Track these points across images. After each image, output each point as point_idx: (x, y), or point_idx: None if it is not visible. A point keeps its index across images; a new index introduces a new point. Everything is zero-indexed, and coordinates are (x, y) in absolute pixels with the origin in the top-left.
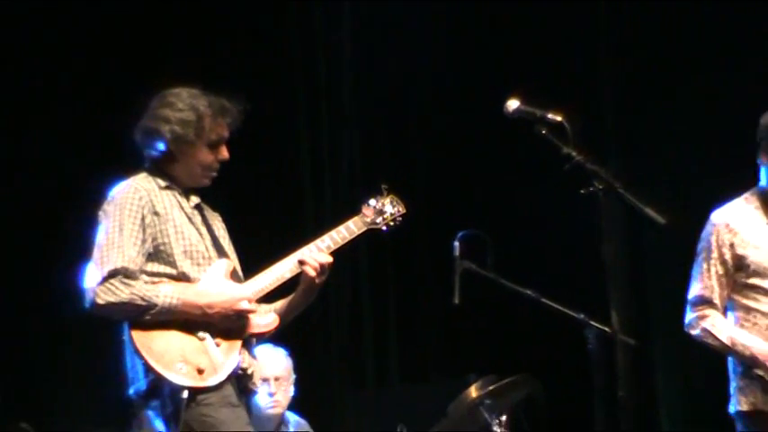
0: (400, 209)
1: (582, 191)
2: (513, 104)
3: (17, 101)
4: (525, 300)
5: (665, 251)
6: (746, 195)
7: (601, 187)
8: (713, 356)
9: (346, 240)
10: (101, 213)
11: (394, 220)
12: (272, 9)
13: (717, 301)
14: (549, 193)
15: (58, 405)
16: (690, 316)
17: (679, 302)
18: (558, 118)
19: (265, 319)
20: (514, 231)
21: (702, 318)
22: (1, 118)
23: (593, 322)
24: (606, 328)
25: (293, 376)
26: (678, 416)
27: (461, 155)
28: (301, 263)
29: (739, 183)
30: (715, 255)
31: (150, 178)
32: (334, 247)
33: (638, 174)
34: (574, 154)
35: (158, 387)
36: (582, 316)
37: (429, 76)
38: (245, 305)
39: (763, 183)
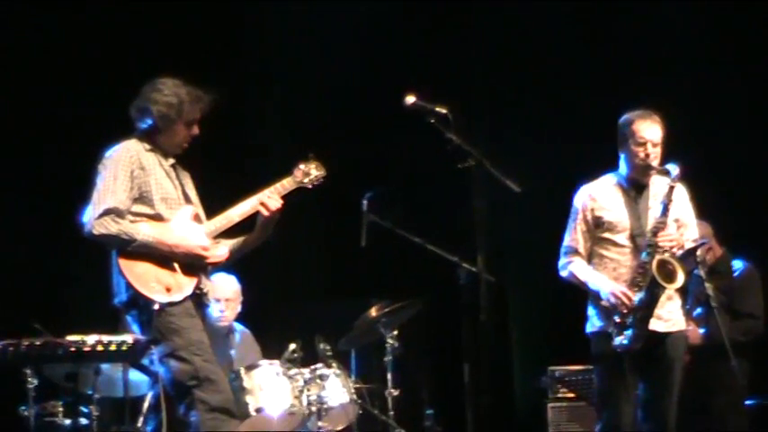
0: (322, 172)
1: (459, 165)
2: (410, 99)
3: None
4: (414, 244)
5: (518, 212)
6: (609, 175)
7: (473, 163)
8: (551, 291)
9: (281, 194)
10: (100, 166)
11: (317, 180)
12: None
13: (581, 250)
14: (435, 166)
15: (65, 310)
16: (562, 261)
17: (526, 250)
18: (444, 110)
19: (219, 251)
20: (408, 195)
21: (570, 263)
22: None
23: (464, 263)
24: (473, 268)
25: (241, 298)
26: (523, 334)
27: (370, 136)
28: (262, 203)
29: (576, 165)
30: (580, 216)
31: (138, 142)
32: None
33: (500, 154)
34: (454, 138)
35: (136, 300)
36: (456, 258)
37: (344, 76)
38: (199, 250)
39: (620, 168)
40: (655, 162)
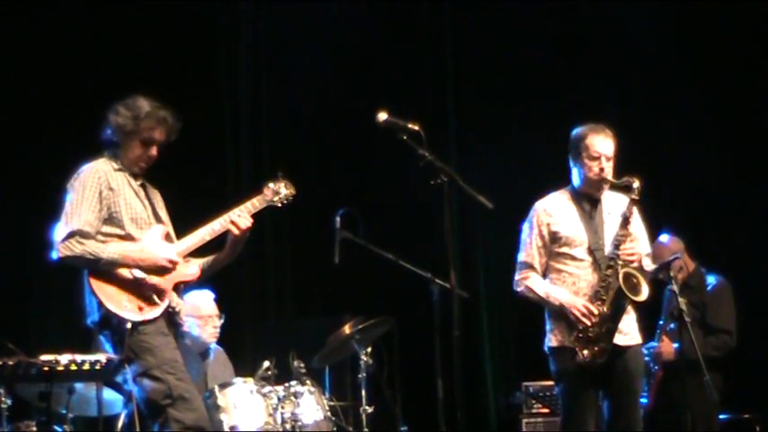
0: (292, 191)
1: (432, 182)
2: (382, 116)
3: None
4: (387, 260)
5: (490, 228)
6: (562, 190)
7: (446, 179)
8: (523, 307)
9: (251, 213)
10: (69, 186)
11: (287, 198)
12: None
13: (537, 265)
14: (407, 183)
15: (39, 330)
16: (516, 277)
17: (498, 266)
18: (416, 127)
19: (190, 269)
20: (381, 211)
21: (525, 278)
22: None
23: (436, 279)
24: (446, 284)
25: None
26: (497, 350)
27: (342, 152)
28: (232, 222)
29: (545, 180)
30: (536, 231)
31: (107, 161)
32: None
33: (471, 171)
34: (426, 154)
35: (108, 319)
36: (429, 275)
37: (315, 95)
38: (164, 262)
39: (573, 182)
40: (609, 176)
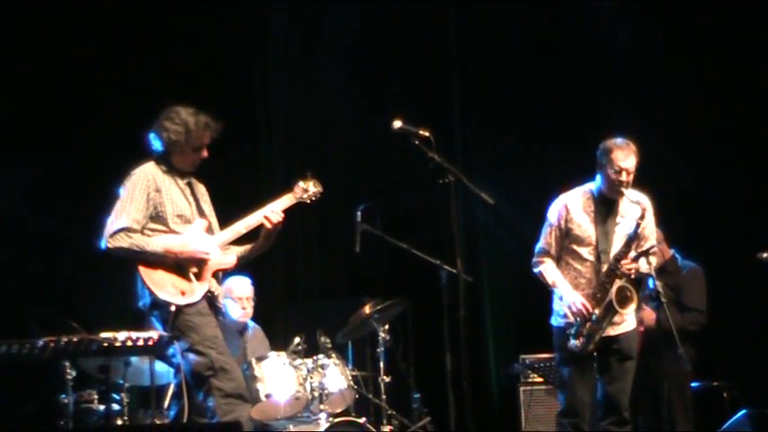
0: (319, 189)
1: (440, 181)
2: (397, 123)
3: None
4: (401, 249)
5: (491, 221)
6: (584, 190)
7: (452, 179)
8: (521, 290)
9: (283, 209)
10: (122, 187)
11: (315, 195)
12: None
13: (553, 252)
14: (419, 182)
15: (98, 311)
16: (534, 260)
17: (499, 254)
18: (426, 133)
19: (228, 258)
20: (396, 206)
21: (541, 262)
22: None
23: (445, 266)
24: (453, 270)
25: (254, 297)
26: (498, 327)
27: (362, 154)
28: (266, 217)
29: (540, 179)
30: (555, 223)
31: (156, 165)
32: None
33: (475, 171)
34: (435, 157)
35: (156, 303)
36: (438, 262)
37: (338, 105)
38: (200, 254)
39: (594, 186)
40: (628, 186)
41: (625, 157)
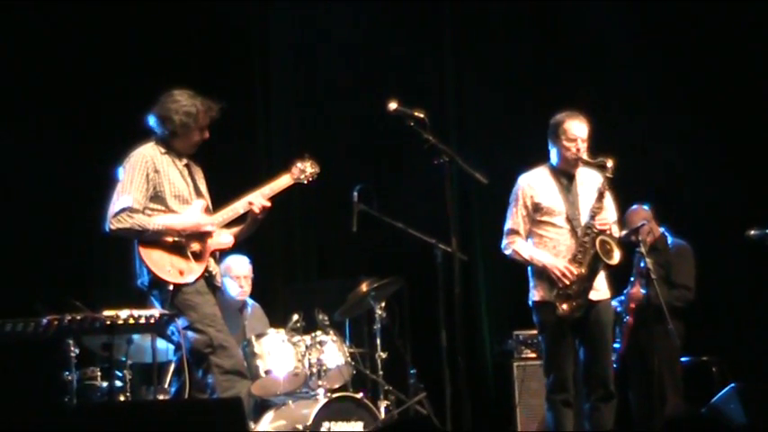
0: (316, 169)
1: (435, 161)
2: (392, 105)
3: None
4: (397, 229)
5: (485, 200)
6: (542, 167)
7: (447, 159)
8: (514, 268)
9: (280, 189)
10: (121, 168)
11: (312, 176)
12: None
13: (521, 231)
14: (414, 162)
15: (101, 290)
16: (504, 242)
17: (492, 233)
18: (422, 115)
19: (224, 238)
20: (392, 186)
21: (512, 242)
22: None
23: (440, 245)
24: (448, 248)
25: (252, 275)
26: (491, 304)
27: (359, 135)
28: (250, 203)
29: (530, 159)
30: (521, 202)
31: (155, 146)
32: (271, 194)
33: (469, 151)
34: (430, 138)
35: (155, 281)
36: (433, 240)
37: (335, 86)
38: (207, 228)
39: (552, 160)
40: (584, 156)
41: (578, 125)
